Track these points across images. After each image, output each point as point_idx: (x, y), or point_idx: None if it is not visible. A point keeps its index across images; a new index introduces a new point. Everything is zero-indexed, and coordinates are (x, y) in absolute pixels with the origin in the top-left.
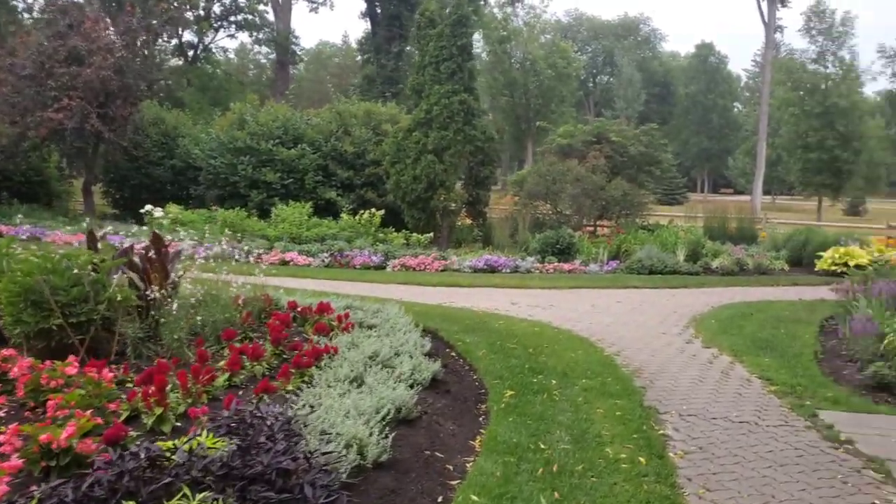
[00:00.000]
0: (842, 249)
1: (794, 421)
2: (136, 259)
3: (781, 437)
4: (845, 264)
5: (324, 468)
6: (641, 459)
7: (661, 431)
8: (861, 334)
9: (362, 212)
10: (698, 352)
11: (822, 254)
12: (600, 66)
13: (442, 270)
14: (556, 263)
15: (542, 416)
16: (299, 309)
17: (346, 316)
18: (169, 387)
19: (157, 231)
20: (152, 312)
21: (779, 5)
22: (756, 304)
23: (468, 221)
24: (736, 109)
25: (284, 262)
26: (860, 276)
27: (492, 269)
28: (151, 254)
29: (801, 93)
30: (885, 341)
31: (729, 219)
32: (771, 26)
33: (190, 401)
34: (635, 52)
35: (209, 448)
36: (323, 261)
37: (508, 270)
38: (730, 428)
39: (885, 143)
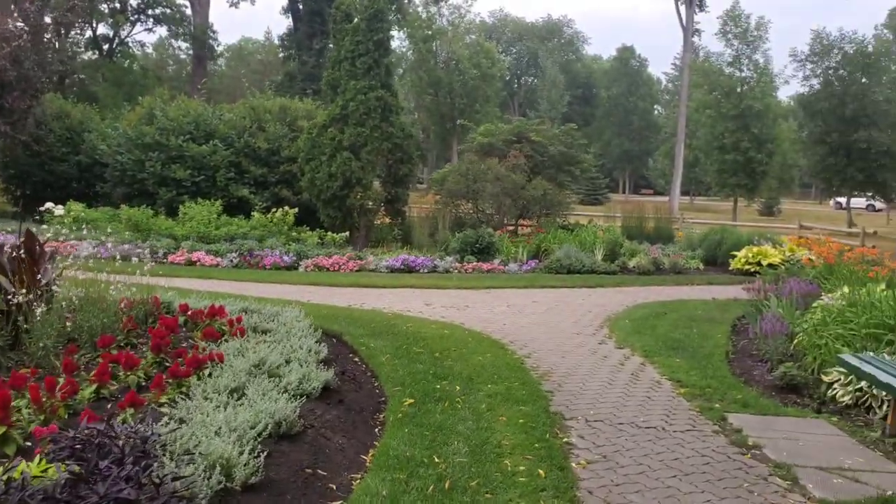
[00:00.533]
0: (755, 249)
1: (702, 425)
2: (4, 260)
3: (689, 443)
4: (758, 263)
5: (176, 495)
6: (541, 472)
7: (566, 439)
8: (771, 334)
9: (275, 210)
10: (610, 353)
11: (736, 253)
12: (525, 67)
13: (357, 271)
14: (475, 263)
15: (442, 425)
16: (190, 313)
17: (239, 320)
18: (24, 401)
19: (30, 229)
20: (18, 318)
21: (696, 9)
22: (670, 303)
23: (387, 220)
24: (656, 112)
25: (191, 263)
26: (772, 276)
27: (409, 269)
28: (22, 253)
29: (718, 95)
30: (795, 341)
31: (647, 219)
32: (689, 30)
33: (42, 417)
34: (559, 55)
35: (35, 477)
36: (231, 261)
37: (426, 270)
38: (637, 434)
39: (797, 146)
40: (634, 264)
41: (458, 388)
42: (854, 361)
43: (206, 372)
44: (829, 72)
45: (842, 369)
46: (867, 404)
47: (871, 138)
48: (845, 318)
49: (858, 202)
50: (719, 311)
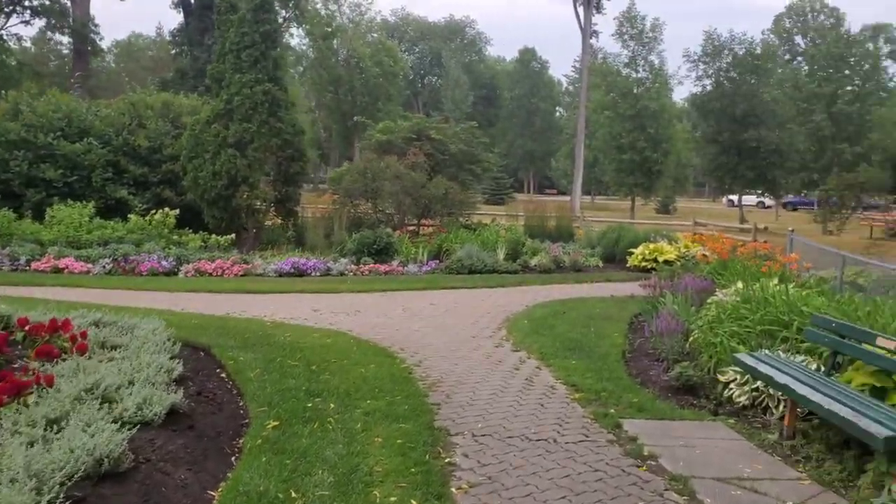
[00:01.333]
0: (651, 246)
1: (596, 434)
2: None
3: (581, 456)
4: (655, 260)
5: None
6: (414, 502)
7: (448, 459)
8: (667, 332)
9: (154, 212)
10: (506, 356)
11: (633, 250)
12: (428, 66)
13: (242, 275)
14: (372, 265)
15: (307, 451)
16: (29, 327)
17: (83, 335)
18: None
19: None
20: None
21: (594, 11)
22: (570, 301)
23: (279, 221)
24: (558, 113)
25: (58, 270)
26: (668, 272)
27: (299, 273)
28: None
29: (615, 96)
30: (690, 339)
31: (548, 218)
32: (587, 32)
33: None
34: (462, 55)
35: None
36: (104, 267)
37: (318, 274)
38: (526, 448)
39: (690, 145)
40: (536, 263)
41: (332, 405)
42: (750, 361)
43: (32, 399)
44: (721, 73)
45: (738, 368)
46: (764, 405)
47: (761, 137)
48: (740, 315)
49: (750, 199)
50: (617, 308)
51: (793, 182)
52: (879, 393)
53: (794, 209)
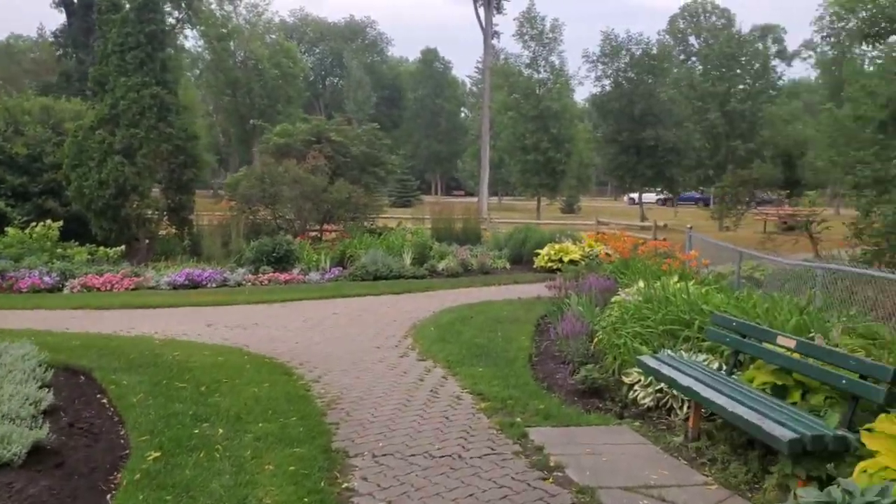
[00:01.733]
0: (556, 246)
1: (502, 446)
2: None
3: (487, 471)
4: (560, 260)
5: None
6: None
7: (346, 484)
8: (572, 335)
9: (35, 224)
10: (411, 367)
11: (539, 251)
12: (329, 67)
13: (133, 289)
14: (271, 273)
15: (191, 484)
16: None
17: None
18: None
19: None
20: None
21: (495, 12)
22: (477, 305)
23: (173, 231)
24: (463, 114)
25: None
26: (572, 272)
27: (194, 285)
28: None
29: (517, 97)
30: (595, 340)
31: (455, 220)
32: (488, 32)
33: None
34: (363, 56)
35: None
36: None
37: (215, 285)
38: (430, 467)
39: (591, 145)
40: (443, 267)
41: (221, 430)
42: (653, 364)
43: None
44: (619, 73)
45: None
46: (668, 406)
47: (658, 136)
48: (642, 315)
49: (650, 197)
50: (524, 310)
51: (690, 179)
52: (780, 391)
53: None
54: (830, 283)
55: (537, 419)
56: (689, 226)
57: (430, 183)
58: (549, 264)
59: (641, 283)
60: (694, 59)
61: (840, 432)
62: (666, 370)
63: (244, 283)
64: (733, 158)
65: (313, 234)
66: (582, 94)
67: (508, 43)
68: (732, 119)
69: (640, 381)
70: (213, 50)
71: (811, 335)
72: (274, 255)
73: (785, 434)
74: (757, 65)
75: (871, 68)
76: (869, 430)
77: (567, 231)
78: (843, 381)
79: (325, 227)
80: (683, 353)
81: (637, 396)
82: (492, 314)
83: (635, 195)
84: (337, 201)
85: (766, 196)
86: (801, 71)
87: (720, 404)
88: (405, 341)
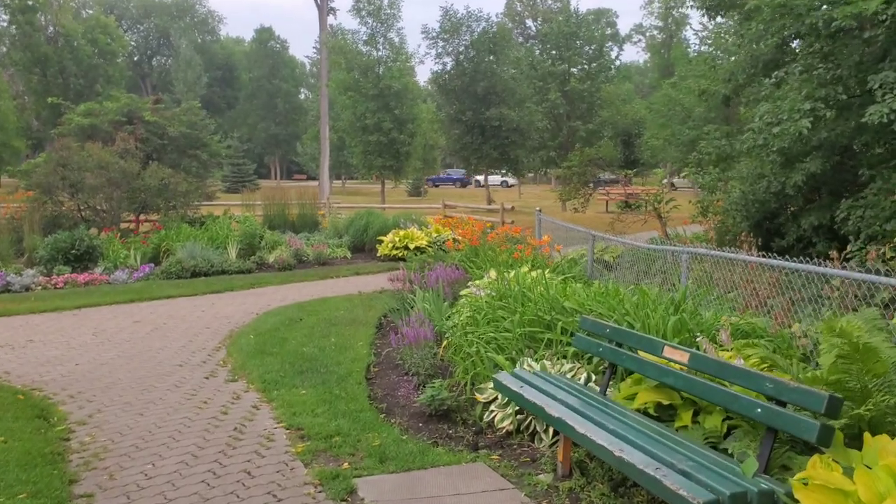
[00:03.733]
0: (401, 232)
1: None
2: None
3: None
4: (406, 247)
5: None
6: None
7: None
8: (415, 341)
9: None
10: (216, 392)
11: (382, 238)
12: (156, 47)
13: None
14: (69, 275)
15: None
16: None
17: None
18: None
19: None
20: None
21: None
22: (310, 303)
23: None
24: (303, 95)
25: None
26: (418, 261)
27: None
28: None
29: (356, 75)
30: (443, 344)
31: (290, 205)
32: (324, 9)
33: None
34: (193, 34)
35: None
36: None
37: None
38: None
39: (436, 125)
40: (274, 259)
41: None
42: (513, 385)
43: None
44: (460, 50)
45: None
46: (531, 430)
47: (502, 116)
48: (497, 317)
49: (494, 179)
50: (364, 308)
51: (533, 160)
52: (666, 411)
53: (436, 186)
54: (690, 268)
55: (370, 463)
56: (537, 208)
57: (270, 167)
58: (394, 252)
59: (493, 273)
60: (533, 40)
61: (765, 485)
62: (530, 394)
63: (33, 286)
64: (574, 139)
65: (126, 226)
66: (424, 74)
67: (346, 20)
68: (573, 100)
69: (496, 399)
70: (17, 23)
71: (696, 338)
72: (73, 252)
73: (696, 496)
74: (594, 45)
75: (699, 49)
76: (802, 480)
77: (412, 216)
78: (759, 411)
79: (143, 218)
80: (546, 362)
81: (494, 419)
82: (326, 314)
83: (481, 177)
84: (150, 189)
85: (605, 176)
86: (632, 55)
87: (603, 445)
88: (216, 355)
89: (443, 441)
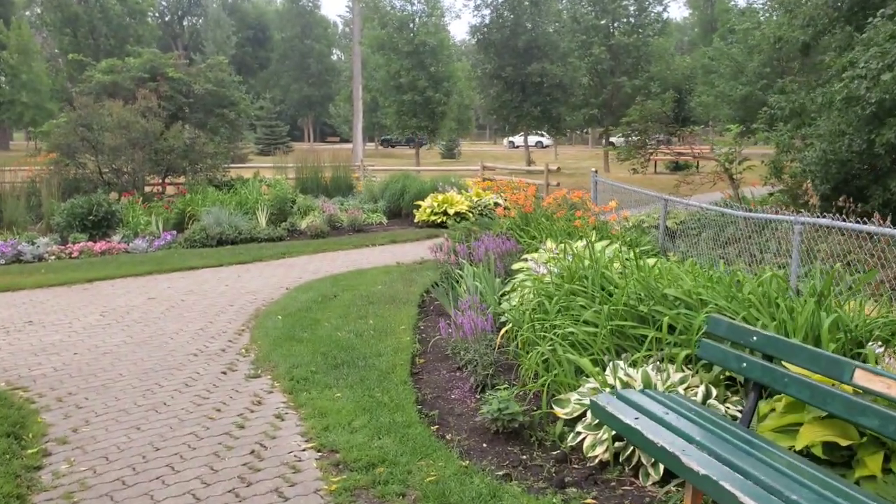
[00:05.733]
0: (440, 196)
1: None
2: None
3: None
4: (445, 213)
5: None
6: None
7: None
8: (472, 333)
9: None
10: (234, 394)
11: (420, 203)
12: (186, 6)
13: None
14: (85, 243)
15: None
16: None
17: None
18: None
19: None
20: None
21: None
22: (345, 276)
23: None
24: (335, 56)
25: None
26: (462, 230)
27: None
28: None
29: (390, 31)
30: (502, 332)
31: (323, 168)
32: None
33: None
34: None
35: None
36: None
37: (3, 261)
38: None
39: (473, 83)
40: (306, 225)
41: None
42: (624, 415)
43: None
44: (500, 1)
45: (583, 399)
46: (635, 462)
47: (545, 71)
48: (571, 304)
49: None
50: (404, 282)
51: (576, 118)
52: (837, 452)
53: (392, 146)
54: (784, 238)
55: None
56: (593, 169)
57: (303, 130)
58: (433, 218)
59: (550, 245)
60: None
61: None
62: (654, 432)
63: (46, 256)
64: (618, 96)
65: (150, 190)
66: (458, 31)
67: None
68: (617, 54)
69: (583, 416)
70: None
71: (865, 349)
72: (91, 218)
73: None
74: None
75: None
76: None
77: (451, 178)
78: None
79: (168, 181)
80: (651, 371)
81: (582, 443)
82: (362, 290)
83: (515, 138)
84: (176, 149)
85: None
86: (671, 12)
87: None
88: (238, 341)
89: (517, 473)
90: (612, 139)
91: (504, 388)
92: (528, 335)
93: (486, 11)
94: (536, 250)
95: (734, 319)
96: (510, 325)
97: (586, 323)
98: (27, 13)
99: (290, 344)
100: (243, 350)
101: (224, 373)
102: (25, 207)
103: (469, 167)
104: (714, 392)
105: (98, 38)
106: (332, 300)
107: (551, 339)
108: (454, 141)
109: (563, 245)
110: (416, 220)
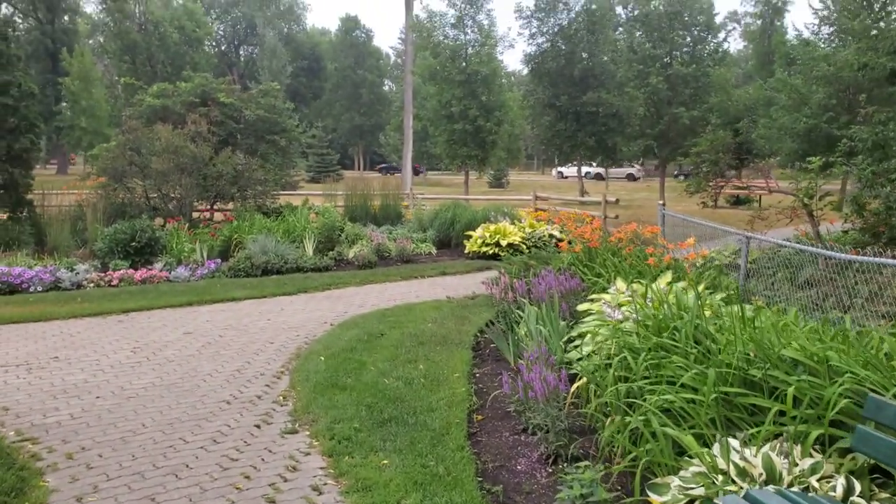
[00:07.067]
0: (492, 227)
1: None
2: None
3: None
4: (497, 244)
5: None
6: None
7: None
8: (543, 394)
9: None
10: (267, 456)
11: (471, 233)
12: (242, 36)
13: None
14: (125, 270)
15: None
16: None
17: None
18: None
19: None
20: None
21: None
22: (393, 311)
23: (6, 216)
24: (387, 86)
25: None
26: (518, 264)
27: (12, 289)
28: None
29: (443, 60)
30: (574, 386)
31: (372, 196)
32: None
33: None
34: (279, 23)
35: None
36: None
37: (41, 288)
38: None
39: (526, 112)
40: (354, 255)
41: None
42: None
43: None
44: (556, 29)
45: (689, 487)
46: None
47: (601, 100)
48: (660, 360)
49: (572, 171)
50: (455, 319)
51: (632, 149)
52: None
53: (391, 174)
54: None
55: None
56: (660, 201)
57: (353, 158)
58: (484, 249)
59: (621, 284)
60: (625, 26)
61: None
62: None
63: (85, 283)
64: (676, 127)
65: (198, 215)
66: (511, 60)
67: (433, 2)
68: (675, 84)
69: None
70: (108, 10)
71: None
72: (133, 244)
73: None
74: (699, 26)
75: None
76: None
77: (503, 208)
78: None
79: (216, 207)
80: (775, 456)
81: None
82: (411, 328)
83: (564, 168)
84: (224, 175)
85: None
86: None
87: None
88: (276, 386)
89: None
90: (678, 171)
91: (585, 467)
92: (612, 399)
93: (541, 40)
94: (604, 290)
95: (884, 395)
96: (584, 379)
97: (683, 387)
98: (90, 41)
99: (332, 392)
100: (280, 398)
101: (258, 426)
102: (71, 232)
103: (520, 197)
104: (857, 487)
105: (155, 66)
106: (379, 339)
107: (641, 406)
108: (503, 170)
109: (635, 285)
110: (466, 251)
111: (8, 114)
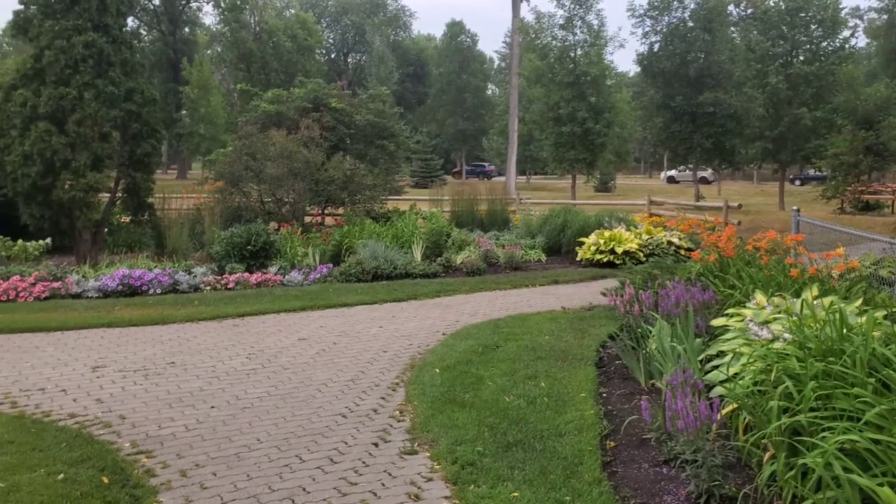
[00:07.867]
0: (606, 233)
1: None
2: None
3: None
4: (612, 251)
5: None
6: None
7: None
8: (687, 428)
9: None
10: (386, 479)
11: (583, 240)
12: (351, 43)
13: (46, 298)
14: (241, 273)
15: None
16: None
17: None
18: None
19: None
20: None
21: None
22: (506, 321)
23: (128, 219)
24: (490, 91)
25: None
26: (641, 274)
27: (132, 291)
28: None
29: (551, 61)
30: (723, 411)
31: (479, 201)
32: None
33: None
34: (386, 30)
35: None
36: None
37: (160, 290)
38: None
39: (638, 113)
40: (462, 261)
41: None
42: None
43: None
44: (671, 27)
45: None
46: None
47: (718, 101)
48: (835, 393)
49: (686, 174)
50: (574, 332)
51: (750, 152)
52: None
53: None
54: None
55: None
56: (794, 207)
57: (455, 163)
58: (598, 256)
59: (760, 298)
60: (739, 24)
61: None
62: None
63: (202, 286)
64: (796, 129)
65: (310, 220)
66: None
67: (540, 3)
68: (796, 84)
69: None
70: (225, 20)
71: None
72: (249, 248)
73: None
74: (824, 16)
75: None
76: None
77: (616, 213)
78: None
79: (328, 211)
80: None
81: None
82: (527, 340)
83: (673, 172)
84: (336, 180)
85: (816, 172)
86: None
87: None
88: (392, 399)
89: None
90: (793, 175)
91: None
92: (776, 435)
93: (655, 38)
94: (740, 304)
95: None
96: (735, 406)
97: (866, 424)
98: (208, 51)
99: (450, 409)
100: (397, 412)
101: (375, 444)
102: (189, 235)
103: (631, 201)
104: None
105: (269, 73)
106: (495, 351)
107: (808, 442)
108: (610, 174)
109: (776, 299)
110: (578, 259)
111: (132, 119)
